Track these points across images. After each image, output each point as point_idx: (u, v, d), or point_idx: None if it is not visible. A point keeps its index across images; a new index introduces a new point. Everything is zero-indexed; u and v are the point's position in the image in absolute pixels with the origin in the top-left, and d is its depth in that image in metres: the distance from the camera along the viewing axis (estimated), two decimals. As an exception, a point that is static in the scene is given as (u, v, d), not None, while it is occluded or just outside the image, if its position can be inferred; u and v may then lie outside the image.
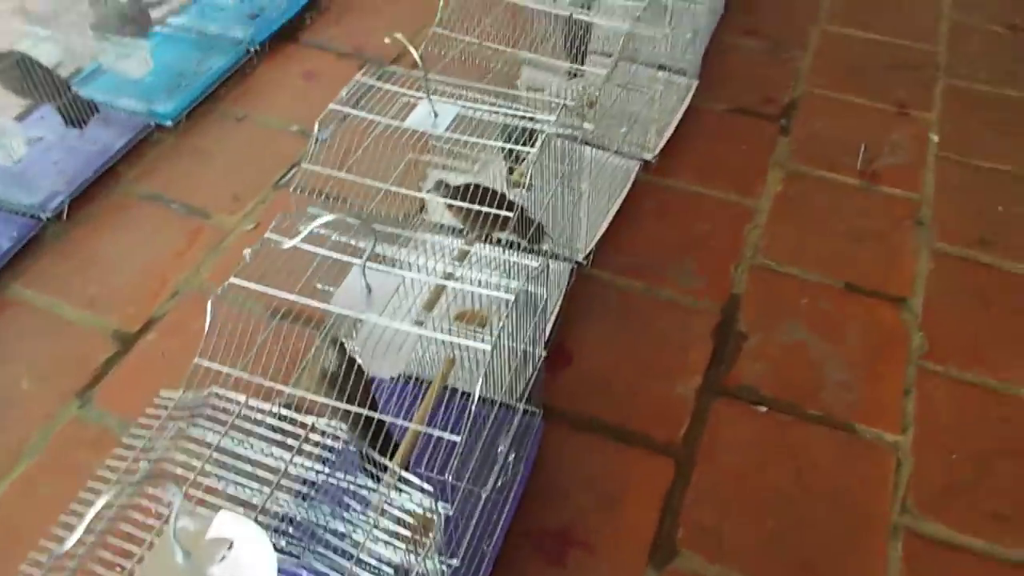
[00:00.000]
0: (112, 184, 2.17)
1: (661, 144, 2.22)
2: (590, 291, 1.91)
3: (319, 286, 1.22)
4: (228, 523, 0.90)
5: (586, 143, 1.83)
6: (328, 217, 1.14)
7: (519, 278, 1.25)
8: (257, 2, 2.61)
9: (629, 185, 2.12)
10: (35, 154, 2.14)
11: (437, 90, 1.51)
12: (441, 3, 1.75)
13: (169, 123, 2.29)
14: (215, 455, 1.05)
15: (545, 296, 1.32)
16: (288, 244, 1.16)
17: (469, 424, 1.07)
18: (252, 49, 2.50)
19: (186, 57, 2.45)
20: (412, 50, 1.36)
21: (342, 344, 1.20)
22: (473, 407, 1.08)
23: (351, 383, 1.14)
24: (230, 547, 0.90)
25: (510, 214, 1.37)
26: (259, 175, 2.17)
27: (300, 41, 2.62)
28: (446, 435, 1.07)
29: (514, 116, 1.48)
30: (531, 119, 1.48)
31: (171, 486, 0.85)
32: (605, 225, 2.02)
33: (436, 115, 1.44)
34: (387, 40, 1.40)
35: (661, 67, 2.15)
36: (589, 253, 1.94)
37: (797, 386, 1.73)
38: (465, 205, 1.42)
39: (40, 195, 2.05)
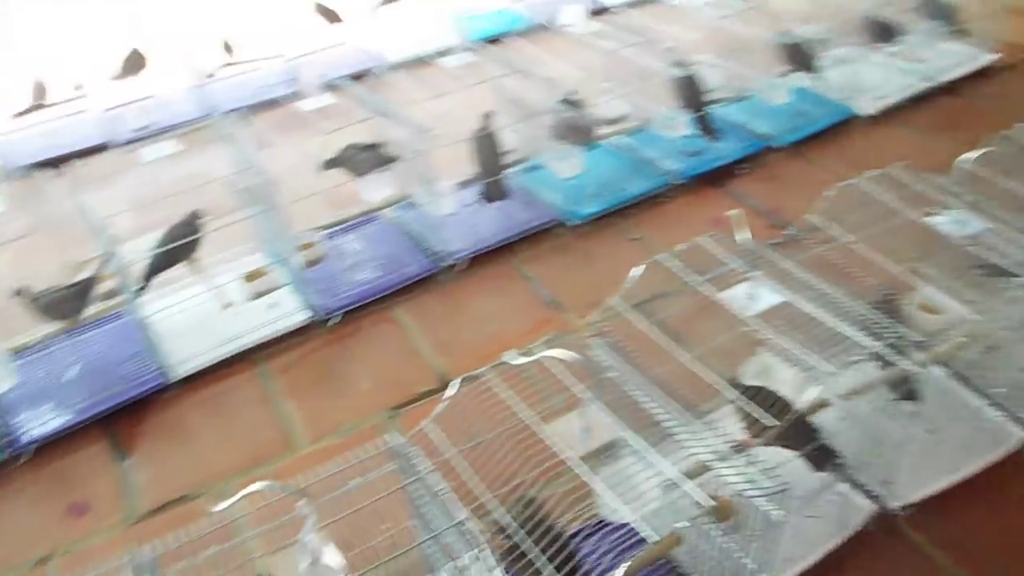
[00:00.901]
0: (506, 257, 2.47)
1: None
2: (889, 547, 1.61)
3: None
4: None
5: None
6: (563, 354, 1.20)
7: (766, 485, 1.18)
8: (701, 144, 2.75)
9: (1000, 452, 1.73)
10: (461, 215, 2.52)
11: (775, 273, 1.49)
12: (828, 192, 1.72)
13: (576, 222, 2.53)
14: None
15: (784, 517, 1.22)
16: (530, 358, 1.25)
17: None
18: (673, 182, 2.65)
19: (615, 173, 2.69)
20: (737, 231, 1.37)
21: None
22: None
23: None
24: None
25: (776, 424, 1.29)
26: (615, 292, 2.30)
27: (724, 188, 2.71)
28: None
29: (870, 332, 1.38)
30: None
31: (305, 504, 0.98)
32: (944, 483, 1.74)
33: (755, 297, 1.42)
34: (729, 215, 1.43)
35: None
36: (908, 505, 1.69)
37: None
38: (742, 403, 1.37)
39: (450, 245, 2.41)
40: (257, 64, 3.77)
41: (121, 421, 2.05)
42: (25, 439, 1.98)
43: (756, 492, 1.19)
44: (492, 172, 2.45)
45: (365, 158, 2.34)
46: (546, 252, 2.49)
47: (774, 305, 1.45)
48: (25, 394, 2.09)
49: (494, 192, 2.48)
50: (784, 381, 1.47)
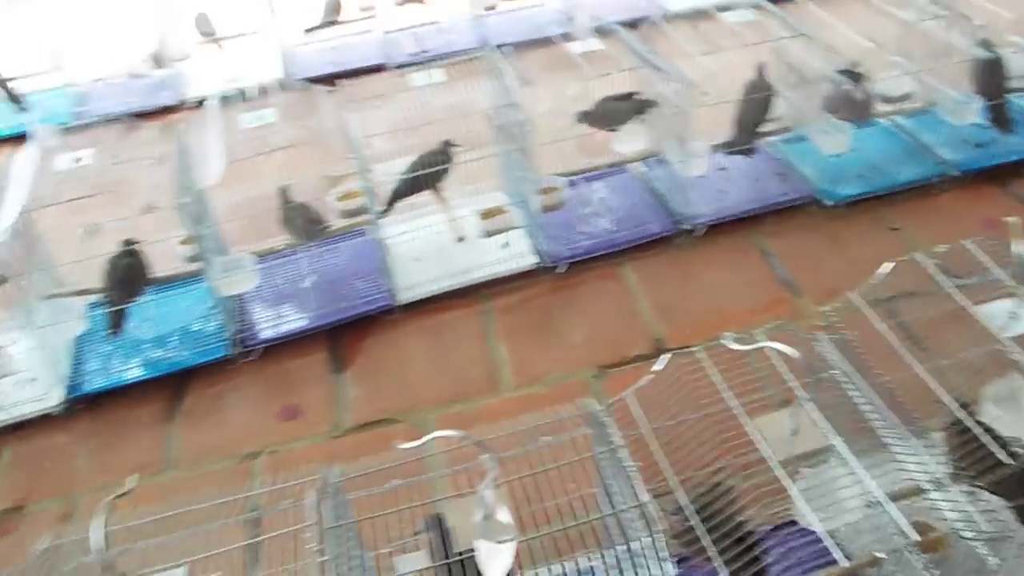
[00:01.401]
0: (749, 228, 2.32)
1: None
2: None
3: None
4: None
5: None
6: (785, 349, 1.07)
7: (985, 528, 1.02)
8: (990, 135, 2.40)
9: None
10: (711, 178, 2.39)
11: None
12: None
13: (831, 203, 2.31)
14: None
15: (999, 566, 1.05)
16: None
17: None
18: (948, 173, 2.34)
19: (884, 155, 2.42)
20: (1014, 239, 1.15)
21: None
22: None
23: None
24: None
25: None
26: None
27: (1006, 187, 2.36)
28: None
29: None
30: None
31: (489, 458, 0.96)
32: None
33: (1019, 317, 1.21)
34: (1007, 220, 1.22)
35: None
36: None
37: None
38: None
39: (693, 209, 2.30)
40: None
41: (345, 335, 2.17)
42: (257, 339, 2.15)
43: (974, 533, 1.03)
44: (749, 127, 2.28)
45: (621, 108, 2.26)
46: (792, 230, 2.29)
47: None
48: (263, 297, 2.26)
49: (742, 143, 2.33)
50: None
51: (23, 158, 2.03)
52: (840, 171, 2.36)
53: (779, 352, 1.15)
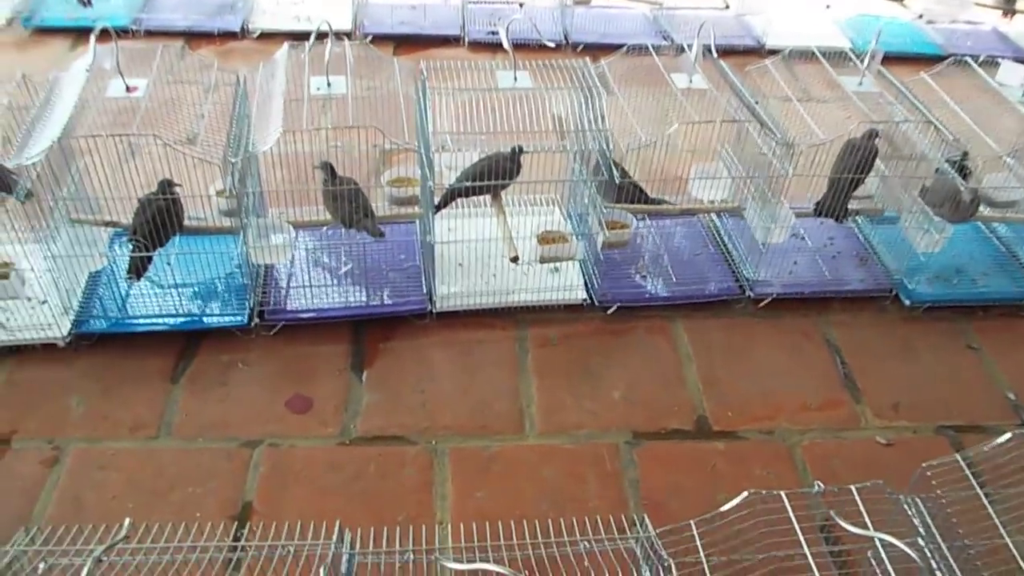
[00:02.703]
0: (815, 310, 2.17)
1: None
2: None
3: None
4: None
5: None
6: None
7: None
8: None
9: None
10: (787, 245, 2.19)
11: None
12: None
13: (909, 303, 2.17)
14: None
15: None
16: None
17: None
18: None
19: (978, 262, 2.28)
20: None
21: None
22: None
23: None
24: None
25: None
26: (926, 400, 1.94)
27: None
28: None
29: None
30: None
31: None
32: None
33: None
34: None
35: None
36: None
37: None
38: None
39: (760, 275, 2.16)
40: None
41: (370, 330, 2.03)
42: (279, 314, 2.02)
43: None
44: (844, 192, 2.12)
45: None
46: (863, 323, 2.14)
47: None
48: (294, 271, 2.13)
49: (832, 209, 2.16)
50: None
51: (75, 75, 1.88)
52: (926, 270, 2.20)
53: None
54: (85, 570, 0.95)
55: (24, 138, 1.78)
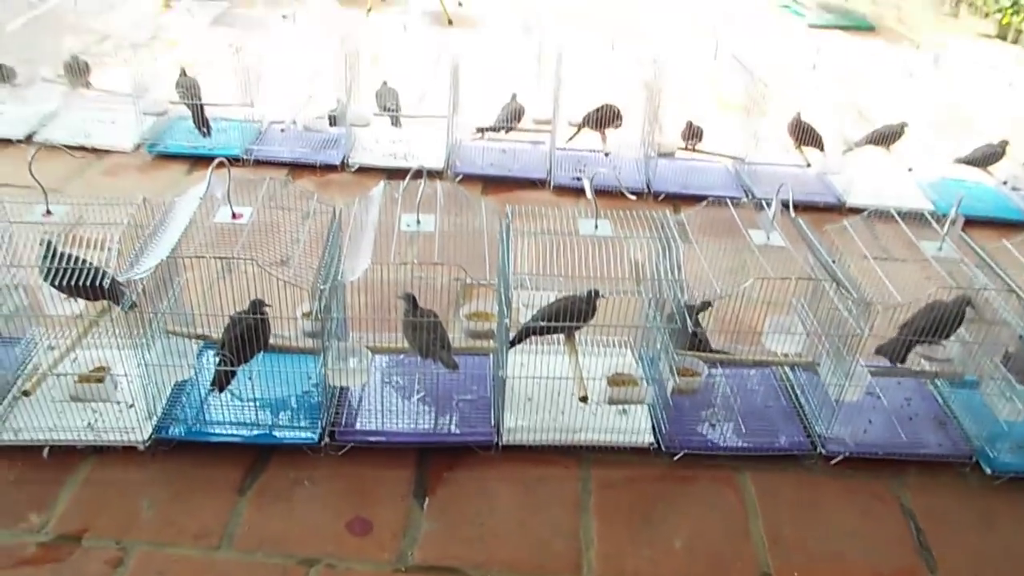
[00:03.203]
0: (890, 473, 2.11)
1: None
2: None
3: None
4: None
5: None
6: None
7: None
8: None
9: None
10: (862, 404, 2.16)
11: None
12: None
13: (991, 472, 2.10)
14: None
15: None
16: None
17: None
18: None
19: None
20: None
21: None
22: None
23: None
24: None
25: None
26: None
27: None
28: None
29: None
30: None
31: None
32: None
33: None
34: None
35: None
36: None
37: None
38: None
39: (833, 433, 2.12)
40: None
41: (435, 458, 2.06)
42: (348, 436, 2.07)
43: None
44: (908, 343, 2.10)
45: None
46: (940, 489, 2.06)
47: None
48: (367, 395, 2.19)
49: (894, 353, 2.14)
50: None
51: (190, 200, 2.05)
52: (1006, 437, 2.13)
53: None
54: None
55: (137, 254, 1.92)
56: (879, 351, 2.15)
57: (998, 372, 2.07)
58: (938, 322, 2.07)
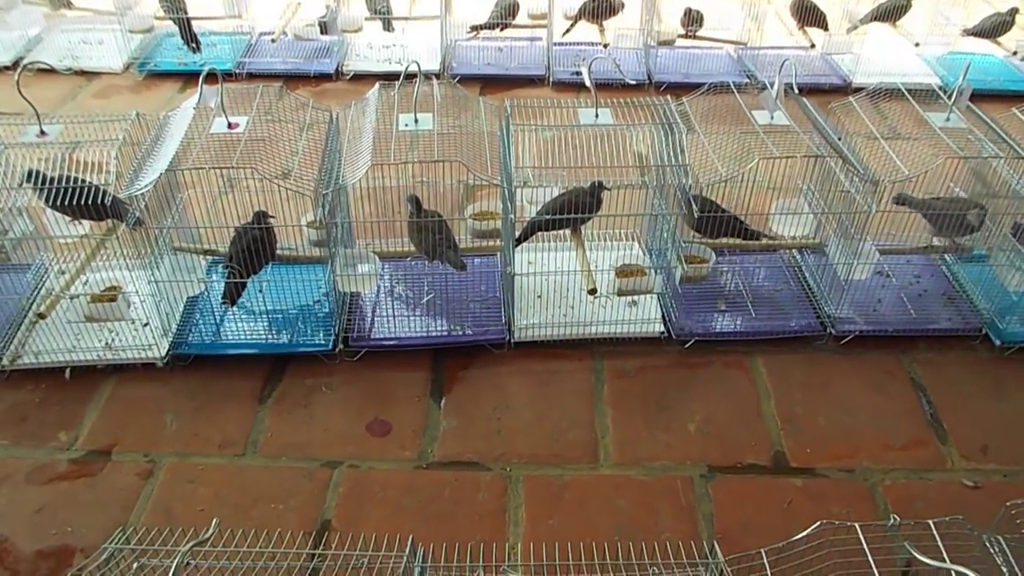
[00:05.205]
0: (900, 349, 2.13)
1: None
2: None
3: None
4: None
5: None
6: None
7: None
8: None
9: None
10: (870, 283, 2.17)
11: None
12: None
13: (1000, 343, 2.11)
14: None
15: None
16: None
17: None
18: None
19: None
20: None
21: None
22: None
23: None
24: None
25: None
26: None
27: None
28: None
29: None
30: None
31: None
32: None
33: None
34: None
35: None
36: None
37: None
38: None
39: (842, 313, 2.13)
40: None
41: (449, 359, 2.08)
42: (362, 341, 2.09)
43: None
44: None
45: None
46: (950, 363, 2.08)
47: None
48: (378, 300, 2.20)
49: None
50: None
51: (183, 114, 2.02)
52: (1016, 309, 2.13)
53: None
54: (173, 568, 1.01)
55: (135, 171, 1.91)
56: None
57: (1007, 243, 2.06)
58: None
